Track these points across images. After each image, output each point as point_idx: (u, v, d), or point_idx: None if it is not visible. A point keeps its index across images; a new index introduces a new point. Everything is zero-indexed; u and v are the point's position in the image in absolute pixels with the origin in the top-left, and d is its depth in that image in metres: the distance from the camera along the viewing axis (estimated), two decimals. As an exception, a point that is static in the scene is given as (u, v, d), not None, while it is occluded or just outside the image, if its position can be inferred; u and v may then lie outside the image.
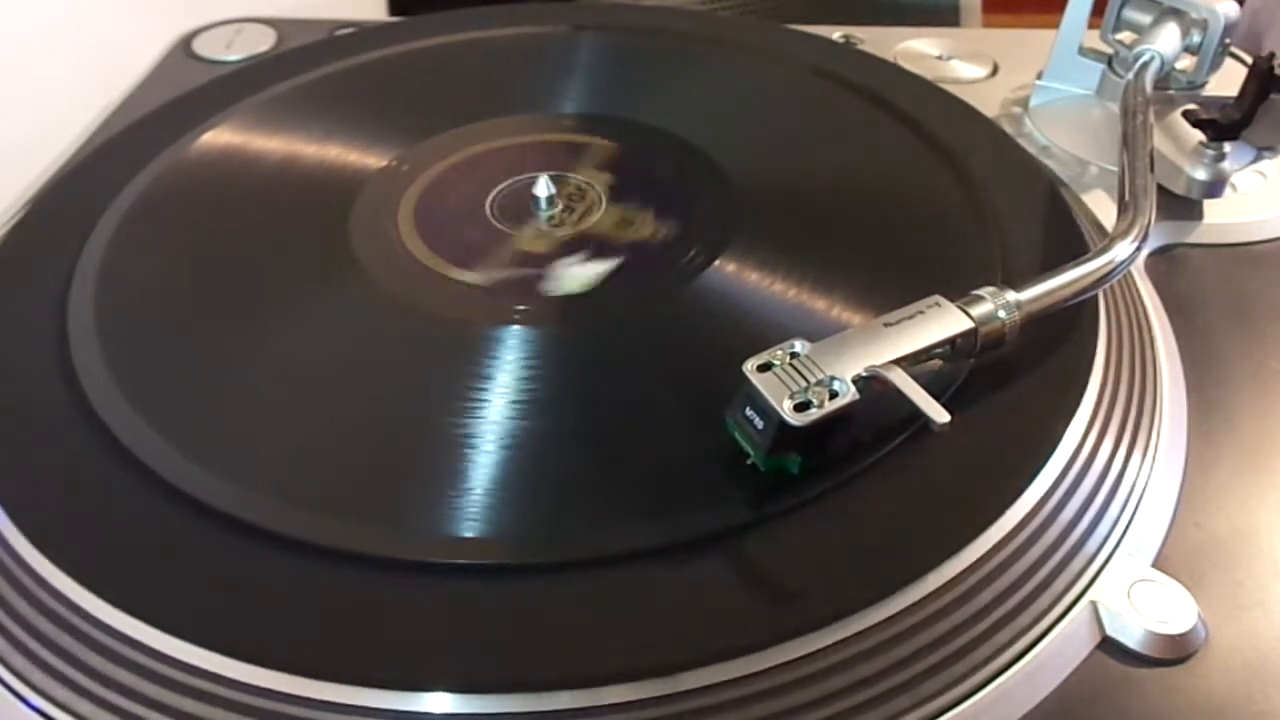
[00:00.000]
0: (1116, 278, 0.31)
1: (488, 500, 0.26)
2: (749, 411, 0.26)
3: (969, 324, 0.28)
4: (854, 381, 0.26)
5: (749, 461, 0.26)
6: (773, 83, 0.44)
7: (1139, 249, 0.31)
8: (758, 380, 0.26)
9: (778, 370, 0.26)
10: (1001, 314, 0.28)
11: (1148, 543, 0.28)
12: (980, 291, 0.29)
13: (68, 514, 0.27)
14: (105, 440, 0.28)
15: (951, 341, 0.28)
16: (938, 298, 0.28)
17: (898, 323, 0.28)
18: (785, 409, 0.25)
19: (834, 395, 0.26)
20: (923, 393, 0.25)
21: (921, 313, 0.28)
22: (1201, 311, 0.36)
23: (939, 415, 0.25)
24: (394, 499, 0.27)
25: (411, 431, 0.29)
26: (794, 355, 0.26)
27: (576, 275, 0.33)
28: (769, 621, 0.24)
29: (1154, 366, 0.33)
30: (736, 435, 0.27)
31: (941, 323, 0.28)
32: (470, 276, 0.33)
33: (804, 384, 0.26)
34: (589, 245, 0.35)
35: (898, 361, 0.26)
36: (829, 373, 0.26)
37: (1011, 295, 0.29)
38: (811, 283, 0.33)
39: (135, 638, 0.24)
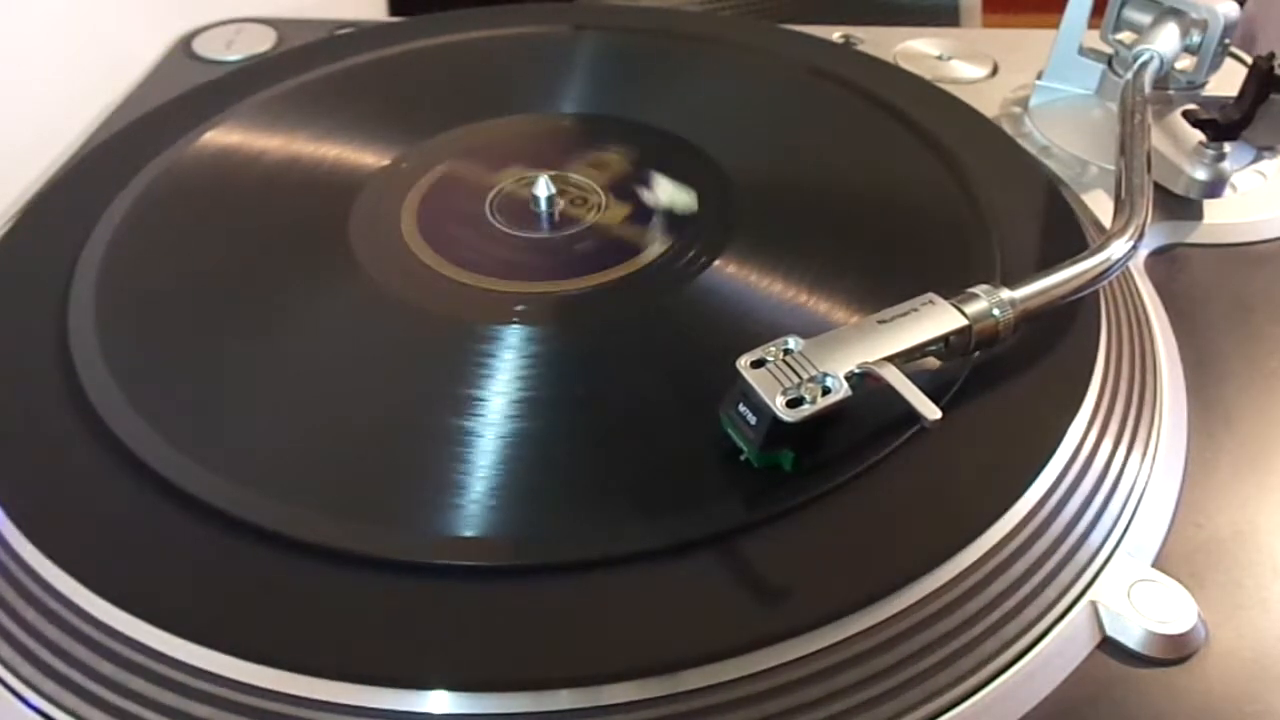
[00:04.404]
0: (1112, 276, 0.31)
1: (488, 500, 0.26)
2: (743, 407, 0.26)
3: (963, 321, 0.28)
4: (847, 378, 0.26)
5: (743, 457, 0.27)
6: (772, 83, 0.44)
7: (1135, 248, 0.31)
8: (751, 376, 0.26)
9: (771, 366, 0.26)
10: (996, 312, 0.28)
11: (1148, 543, 0.28)
12: (975, 289, 0.29)
13: (67, 514, 0.27)
14: (105, 440, 0.28)
15: (945, 339, 0.28)
16: (932, 295, 0.28)
17: (891, 320, 0.28)
18: (778, 405, 0.25)
19: (826, 391, 0.26)
20: (915, 389, 0.25)
21: (915, 310, 0.28)
22: (1201, 311, 0.36)
23: (930, 412, 0.25)
24: (394, 499, 0.27)
25: (412, 431, 0.29)
26: (787, 351, 0.26)
27: (671, 191, 0.33)
28: (769, 621, 0.24)
29: (1154, 366, 0.33)
30: (731, 431, 0.27)
31: (935, 320, 0.28)
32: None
33: (797, 380, 0.26)
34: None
35: (891, 358, 0.27)
36: (822, 369, 0.26)
37: (1006, 293, 0.29)
38: (811, 282, 0.33)
39: (135, 638, 0.24)
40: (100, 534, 0.26)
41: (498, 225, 0.36)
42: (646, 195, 0.34)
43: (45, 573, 0.26)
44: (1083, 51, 0.45)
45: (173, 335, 0.32)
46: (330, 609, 0.25)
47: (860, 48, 0.50)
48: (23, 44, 0.61)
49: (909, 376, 0.26)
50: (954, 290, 0.29)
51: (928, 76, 0.46)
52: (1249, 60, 0.40)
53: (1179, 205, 0.40)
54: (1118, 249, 0.31)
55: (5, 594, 0.26)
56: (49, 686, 0.25)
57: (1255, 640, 0.26)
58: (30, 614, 0.26)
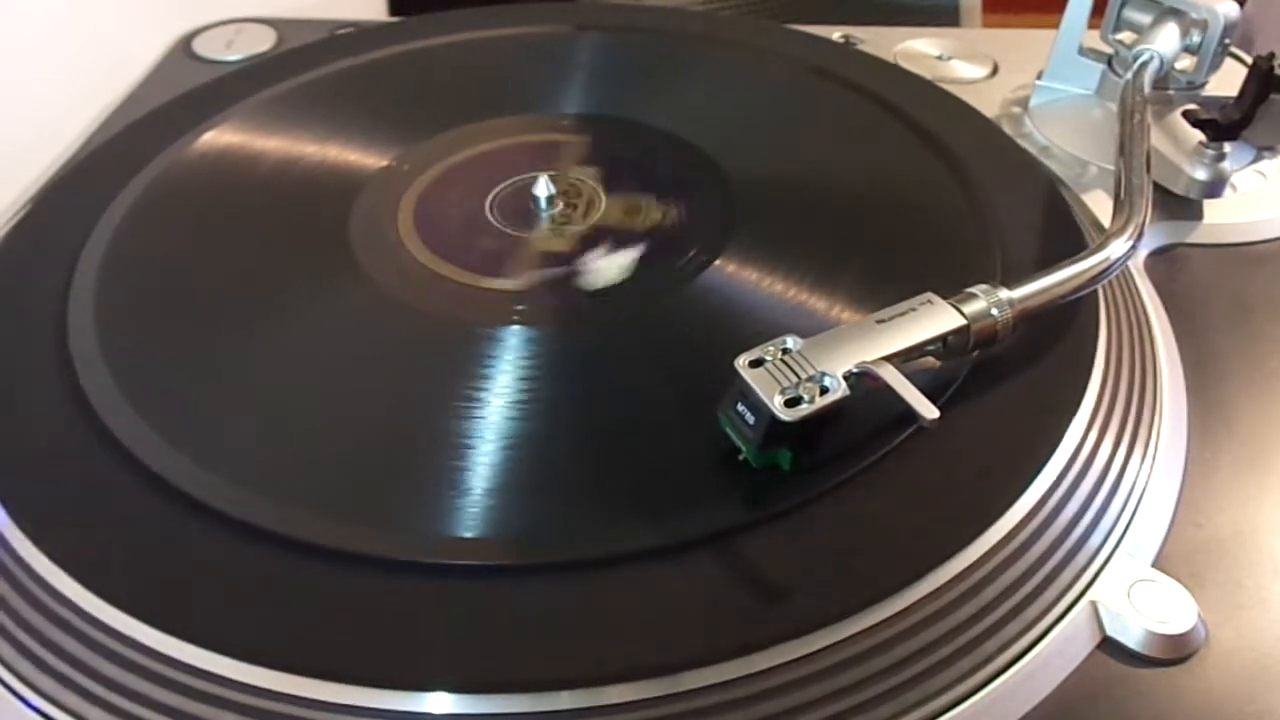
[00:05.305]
0: (1111, 276, 0.31)
1: (487, 500, 0.26)
2: (741, 407, 0.26)
3: (961, 321, 0.28)
4: (845, 377, 0.26)
5: (741, 457, 0.27)
6: (773, 83, 0.44)
7: (1134, 247, 0.31)
8: (749, 376, 0.26)
9: (769, 366, 0.26)
10: (994, 311, 0.28)
11: (1148, 543, 0.28)
12: (973, 289, 0.29)
13: (68, 514, 0.27)
14: (105, 440, 0.28)
15: (944, 339, 0.28)
16: (930, 295, 0.28)
17: (890, 319, 0.28)
18: (776, 404, 0.25)
19: (824, 391, 0.26)
20: (913, 389, 0.25)
21: (914, 310, 0.28)
22: (1201, 311, 0.36)
23: (928, 411, 0.25)
24: (394, 499, 0.27)
25: (411, 431, 0.29)
26: (786, 351, 0.26)
27: (612, 265, 0.33)
28: (769, 621, 0.24)
29: (1154, 366, 0.33)
30: (729, 431, 0.27)
31: (933, 320, 0.28)
32: (502, 283, 0.33)
33: (795, 379, 0.26)
34: (607, 237, 0.35)
35: (889, 358, 0.27)
36: (820, 368, 0.26)
37: (1004, 293, 0.29)
38: (811, 282, 0.33)
39: (135, 638, 0.24)
40: (100, 534, 0.26)
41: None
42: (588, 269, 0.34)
43: (45, 573, 0.26)
44: (1083, 51, 0.45)
45: (173, 335, 0.32)
46: (330, 609, 0.25)
47: (860, 48, 0.50)
48: (23, 44, 0.61)
49: (907, 376, 0.26)
50: (953, 290, 0.29)
51: (928, 76, 0.46)
52: (1249, 60, 0.40)
53: (1179, 205, 0.40)
54: (1116, 248, 0.31)
55: (5, 594, 0.26)
56: (49, 686, 0.25)
57: (1255, 640, 0.26)
58: (30, 614, 0.26)
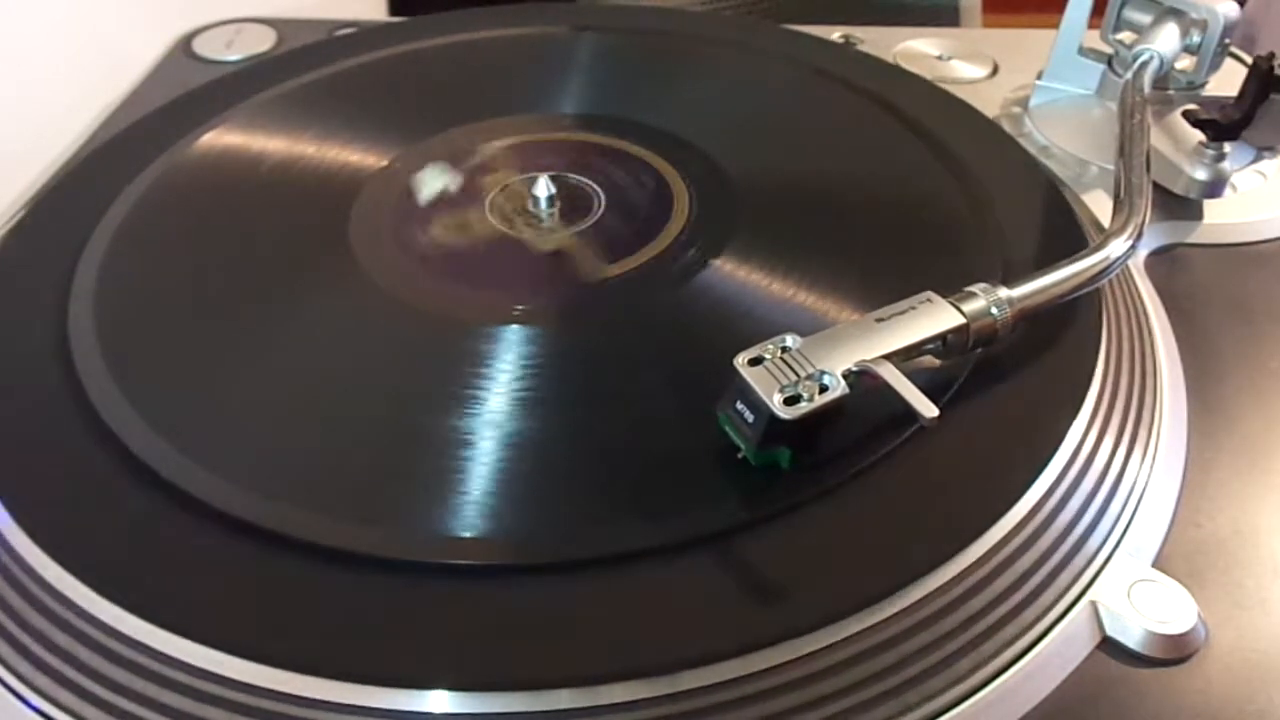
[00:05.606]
0: (1110, 276, 0.31)
1: (487, 500, 0.26)
2: (740, 405, 0.26)
3: (960, 320, 0.28)
4: (844, 376, 0.26)
5: (740, 456, 0.27)
6: (773, 83, 0.44)
7: (1133, 247, 0.31)
8: (748, 374, 0.26)
9: (768, 364, 0.26)
10: (994, 310, 0.28)
11: (1148, 543, 0.28)
12: (973, 288, 0.29)
13: (68, 514, 0.27)
14: (105, 440, 0.28)
15: (943, 337, 0.28)
16: (930, 294, 0.28)
17: (889, 318, 0.28)
18: (775, 402, 0.25)
19: (824, 389, 0.26)
20: (912, 387, 0.25)
21: (913, 308, 0.28)
22: (1201, 311, 0.36)
23: (927, 410, 0.25)
24: (393, 499, 0.27)
25: (411, 431, 0.29)
26: (785, 349, 0.26)
27: (432, 177, 0.33)
28: (769, 621, 0.24)
29: (1154, 366, 0.33)
30: (728, 429, 0.27)
31: (933, 318, 0.28)
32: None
33: (794, 378, 0.26)
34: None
35: (889, 356, 0.27)
36: (819, 367, 0.26)
37: (1004, 292, 0.29)
38: (811, 282, 0.33)
39: (135, 638, 0.24)
40: (100, 533, 0.26)
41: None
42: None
43: (45, 572, 0.26)
44: (1083, 51, 0.45)
45: (173, 335, 0.32)
46: (330, 609, 0.25)
47: (860, 48, 0.50)
48: (23, 44, 0.61)
49: (907, 375, 0.26)
50: (953, 289, 0.29)
51: (928, 76, 0.46)
52: (1249, 60, 0.40)
53: (1179, 205, 0.40)
54: (1116, 248, 0.31)
55: (5, 594, 0.26)
56: (48, 686, 0.25)
57: (1255, 640, 0.26)
58: (29, 613, 0.26)
